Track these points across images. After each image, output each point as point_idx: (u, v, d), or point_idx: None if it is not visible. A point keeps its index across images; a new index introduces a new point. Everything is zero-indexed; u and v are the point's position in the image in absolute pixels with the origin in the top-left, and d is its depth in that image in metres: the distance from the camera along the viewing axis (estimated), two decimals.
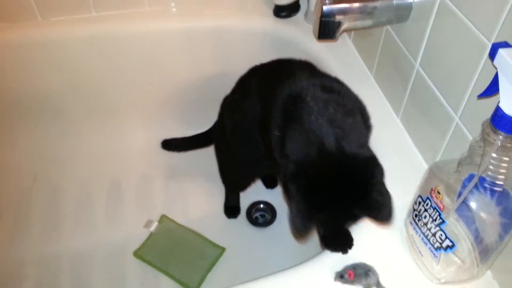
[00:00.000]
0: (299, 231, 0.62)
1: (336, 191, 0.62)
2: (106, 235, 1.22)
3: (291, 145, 0.66)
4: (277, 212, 1.23)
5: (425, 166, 0.86)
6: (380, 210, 0.64)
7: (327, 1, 0.89)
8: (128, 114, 1.43)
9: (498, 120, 0.53)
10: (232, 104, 0.97)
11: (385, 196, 0.63)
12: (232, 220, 1.24)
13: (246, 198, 1.26)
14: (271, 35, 1.28)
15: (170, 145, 1.35)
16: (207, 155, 1.21)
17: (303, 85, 0.74)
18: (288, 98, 0.73)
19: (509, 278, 0.68)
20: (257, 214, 1.24)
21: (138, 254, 1.14)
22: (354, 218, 0.67)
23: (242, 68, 0.99)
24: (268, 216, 1.23)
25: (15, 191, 1.32)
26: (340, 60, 1.14)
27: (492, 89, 0.55)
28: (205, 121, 1.26)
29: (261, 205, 1.25)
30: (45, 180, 1.35)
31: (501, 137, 0.54)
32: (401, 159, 0.89)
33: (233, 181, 1.17)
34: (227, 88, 1.02)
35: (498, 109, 0.53)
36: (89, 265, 1.15)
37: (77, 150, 1.40)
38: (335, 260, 0.71)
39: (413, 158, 0.89)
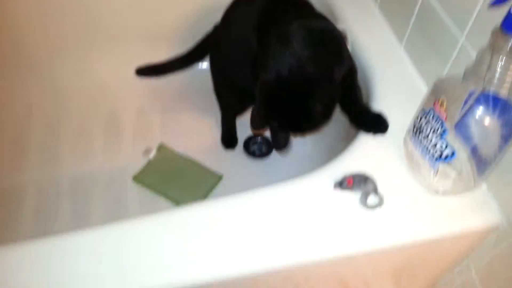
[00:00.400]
0: (256, 127, 0.85)
1: (285, 105, 0.78)
2: (105, 161, 1.22)
3: (261, 69, 0.81)
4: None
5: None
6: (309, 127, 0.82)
7: None
8: (126, 46, 1.40)
9: (509, 23, 0.54)
10: (227, 23, 1.01)
11: (319, 116, 0.79)
12: (229, 152, 1.25)
13: (243, 132, 1.27)
14: None
15: (145, 70, 1.32)
16: (206, 88, 1.20)
17: (292, 27, 0.81)
18: (275, 39, 0.81)
19: (503, 189, 0.71)
20: (254, 147, 1.25)
21: (137, 178, 1.16)
22: (300, 129, 0.84)
23: None
24: (265, 149, 1.25)
25: (12, 121, 1.30)
26: None
27: None
28: None
29: (258, 138, 1.26)
30: (43, 111, 1.33)
31: (510, 42, 0.55)
32: (404, 85, 0.90)
33: (229, 100, 1.17)
34: None
35: (510, 13, 0.54)
36: (89, 190, 1.16)
37: (74, 82, 1.38)
38: (335, 172, 0.74)
39: (414, 83, 0.90)
